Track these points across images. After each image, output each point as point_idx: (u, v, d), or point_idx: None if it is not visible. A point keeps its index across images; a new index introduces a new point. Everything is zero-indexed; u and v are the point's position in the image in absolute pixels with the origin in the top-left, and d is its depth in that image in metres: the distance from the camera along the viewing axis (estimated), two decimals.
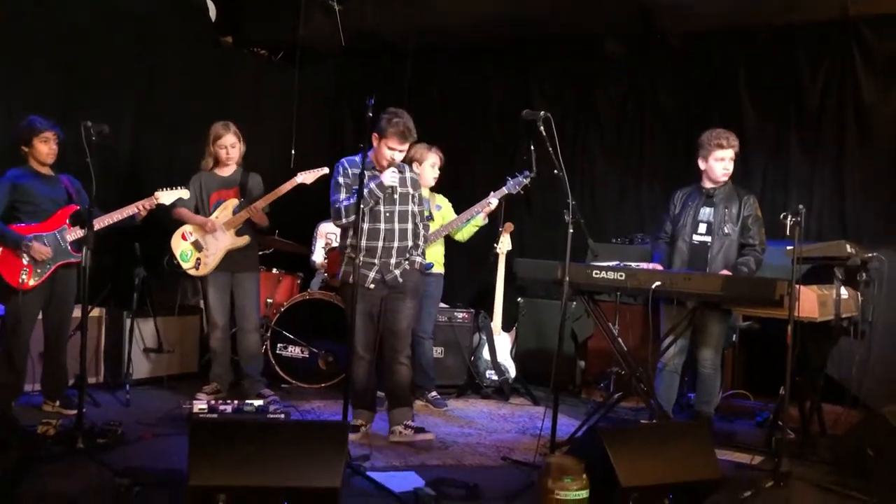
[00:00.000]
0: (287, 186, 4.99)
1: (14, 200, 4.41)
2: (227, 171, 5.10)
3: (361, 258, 4.22)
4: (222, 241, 4.99)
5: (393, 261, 4.28)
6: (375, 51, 7.26)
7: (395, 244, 4.28)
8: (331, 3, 6.25)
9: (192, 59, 6.47)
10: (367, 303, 4.27)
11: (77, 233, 4.48)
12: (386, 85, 7.27)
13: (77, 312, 4.80)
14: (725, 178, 4.60)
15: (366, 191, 4.12)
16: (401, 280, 4.30)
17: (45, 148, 4.47)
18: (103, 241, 4.51)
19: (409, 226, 4.34)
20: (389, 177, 4.18)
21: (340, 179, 4.25)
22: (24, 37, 5.24)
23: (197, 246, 5.01)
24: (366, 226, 4.21)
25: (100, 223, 4.46)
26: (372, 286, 4.26)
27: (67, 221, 4.51)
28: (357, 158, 4.30)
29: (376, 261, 4.26)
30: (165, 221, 5.17)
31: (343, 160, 4.34)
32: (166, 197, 4.68)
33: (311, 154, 7.13)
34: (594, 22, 6.27)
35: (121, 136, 5.80)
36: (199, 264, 4.99)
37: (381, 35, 6.91)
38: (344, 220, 4.20)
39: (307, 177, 5.01)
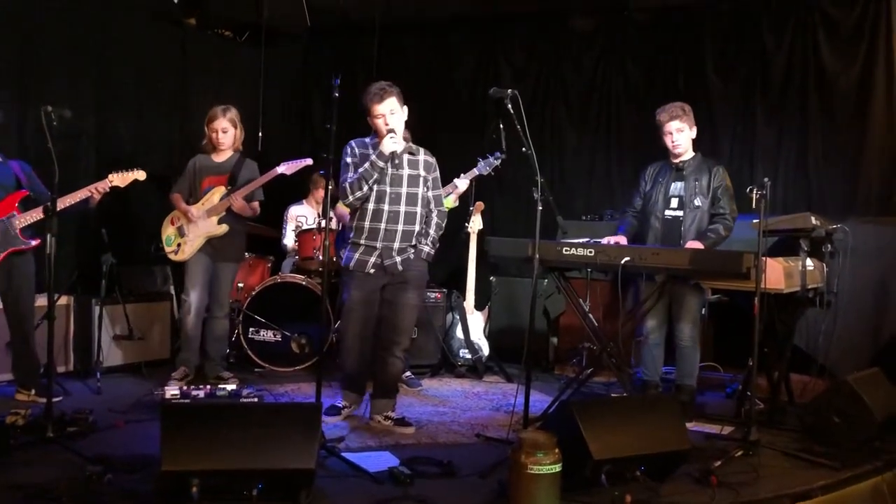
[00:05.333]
0: (266, 177, 4.99)
1: None
2: (221, 157, 5.05)
3: (363, 241, 4.14)
4: (202, 229, 4.96)
5: (396, 245, 4.14)
6: (342, 29, 7.19)
7: (400, 227, 4.14)
8: None
9: (156, 40, 6.34)
10: (365, 289, 4.18)
11: (27, 219, 4.38)
12: (353, 63, 7.21)
13: (43, 300, 4.73)
14: (680, 151, 4.61)
15: (367, 164, 4.05)
16: (401, 268, 4.16)
17: None
18: (69, 227, 4.45)
19: (418, 209, 4.19)
20: (388, 144, 4.01)
21: (348, 160, 4.13)
22: None
23: (180, 231, 5.01)
24: (370, 206, 4.12)
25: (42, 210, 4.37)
26: (371, 271, 4.15)
27: (17, 207, 4.40)
28: (367, 140, 4.21)
29: (378, 244, 4.13)
30: (133, 207, 5.11)
31: (351, 141, 4.21)
32: (120, 179, 4.56)
33: (278, 135, 7.10)
34: None
35: (83, 119, 5.69)
36: (179, 250, 5.00)
37: (346, 12, 6.84)
38: (349, 199, 4.10)
39: (288, 168, 5.01)
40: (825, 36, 5.78)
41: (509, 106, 3.85)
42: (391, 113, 4.06)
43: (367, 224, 4.13)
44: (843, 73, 5.72)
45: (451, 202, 5.25)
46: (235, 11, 6.74)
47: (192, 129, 6.13)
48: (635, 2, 6.19)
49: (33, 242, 4.44)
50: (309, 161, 5.03)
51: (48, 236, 3.81)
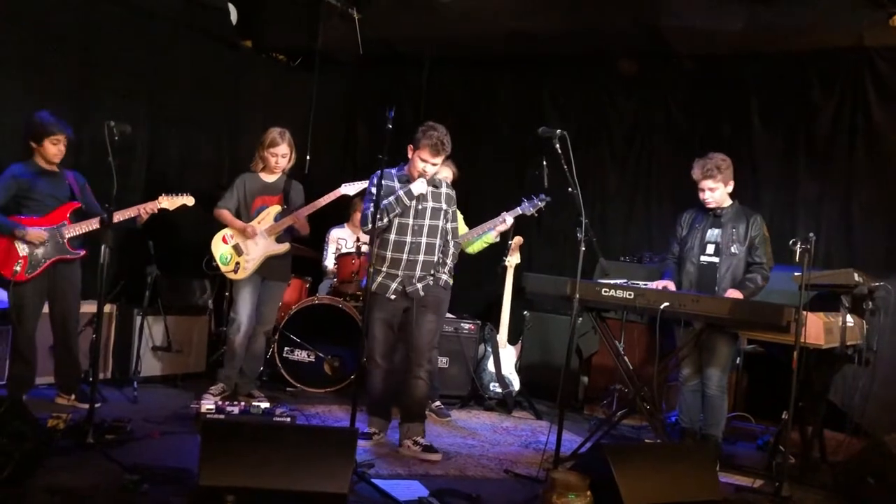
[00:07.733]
0: (331, 196, 5.06)
1: (16, 195, 4.42)
2: (272, 177, 5.12)
3: (385, 269, 4.29)
4: (262, 247, 5.01)
5: (417, 273, 4.31)
6: (391, 60, 7.32)
7: (421, 258, 4.31)
8: (350, 12, 6.32)
9: (212, 60, 6.51)
10: (387, 312, 4.32)
11: (76, 229, 4.51)
12: (400, 94, 7.32)
13: (87, 308, 4.84)
14: (712, 205, 4.61)
15: (393, 197, 4.19)
16: (422, 294, 4.32)
17: (55, 150, 4.46)
18: (117, 237, 4.56)
19: (438, 241, 4.37)
20: (419, 186, 4.22)
21: (374, 189, 4.25)
22: (40, 33, 5.21)
23: (237, 250, 5.01)
24: (392, 237, 4.27)
25: (98, 222, 4.49)
26: (393, 297, 4.30)
27: (68, 217, 4.53)
28: (394, 171, 4.36)
29: (399, 272, 4.29)
30: (179, 220, 5.20)
31: (379, 171, 4.36)
32: (169, 203, 4.69)
33: (324, 160, 7.22)
34: (608, 40, 6.32)
35: (135, 136, 5.83)
36: (238, 268, 5.00)
37: (396, 45, 6.97)
38: (368, 226, 4.20)
39: (350, 188, 5.08)
40: (875, 91, 5.75)
41: (558, 146, 3.91)
42: (434, 165, 4.25)
43: (389, 254, 4.28)
44: (892, 129, 5.69)
45: (491, 237, 5.30)
46: (291, 37, 6.90)
47: (241, 149, 6.27)
48: (679, 46, 6.23)
49: (80, 252, 4.57)
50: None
51: (102, 247, 3.94)
